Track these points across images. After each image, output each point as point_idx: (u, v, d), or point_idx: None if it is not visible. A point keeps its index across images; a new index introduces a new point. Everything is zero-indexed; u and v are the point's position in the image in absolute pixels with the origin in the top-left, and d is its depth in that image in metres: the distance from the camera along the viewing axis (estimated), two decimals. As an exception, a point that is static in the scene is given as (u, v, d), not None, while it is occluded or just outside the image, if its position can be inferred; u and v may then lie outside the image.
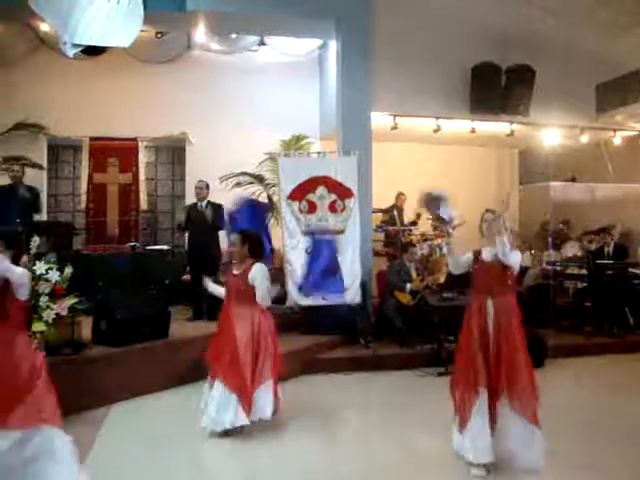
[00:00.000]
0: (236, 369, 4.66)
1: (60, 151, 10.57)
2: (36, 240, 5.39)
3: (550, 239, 10.28)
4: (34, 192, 8.16)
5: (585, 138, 11.01)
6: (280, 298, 6.78)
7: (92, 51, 9.20)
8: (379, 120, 9.39)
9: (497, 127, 10.54)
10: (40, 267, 5.27)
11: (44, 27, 9.24)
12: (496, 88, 9.60)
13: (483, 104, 9.58)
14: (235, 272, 5.02)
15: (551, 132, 10.68)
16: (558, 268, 9.53)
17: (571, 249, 10.39)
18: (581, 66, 9.83)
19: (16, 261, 3.58)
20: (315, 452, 4.63)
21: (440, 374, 6.82)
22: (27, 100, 9.78)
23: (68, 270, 5.47)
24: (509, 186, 12.86)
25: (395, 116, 9.72)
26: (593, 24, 9.63)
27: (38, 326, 5.18)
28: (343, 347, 7.53)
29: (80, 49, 8.32)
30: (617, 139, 11.18)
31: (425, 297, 7.56)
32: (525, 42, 9.31)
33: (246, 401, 4.62)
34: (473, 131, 10.36)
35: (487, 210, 4.52)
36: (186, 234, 8.66)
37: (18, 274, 3.43)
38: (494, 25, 9.28)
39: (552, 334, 8.07)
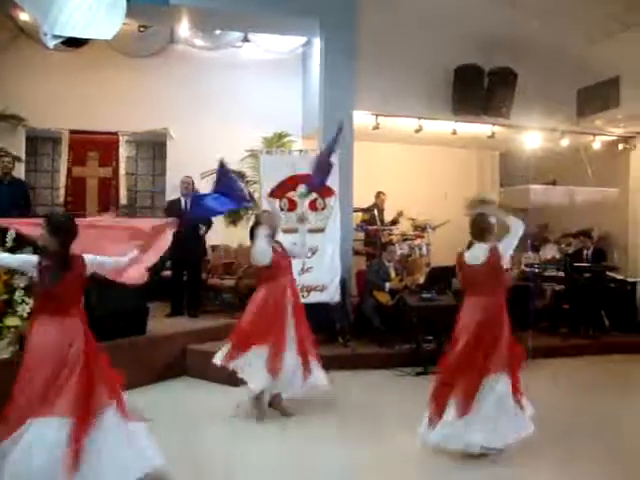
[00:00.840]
0: None
1: (39, 143, 10.46)
2: (12, 233, 5.32)
3: (529, 241, 10.36)
4: (25, 186, 8.16)
5: (565, 142, 11.10)
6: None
7: (73, 43, 9.12)
8: (361, 119, 9.39)
9: (478, 129, 10.60)
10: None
11: (24, 17, 9.11)
12: (478, 90, 9.65)
13: (465, 105, 9.63)
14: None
15: (532, 135, 10.76)
16: (536, 270, 9.60)
17: (550, 251, 10.48)
18: (563, 70, 9.92)
19: (66, 248, 3.60)
20: (294, 450, 4.64)
21: (418, 374, 6.85)
22: (6, 91, 9.64)
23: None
24: (490, 188, 12.94)
25: (377, 116, 9.73)
26: (577, 29, 9.70)
27: (12, 321, 5.13)
28: (322, 345, 7.48)
29: (61, 40, 8.23)
30: (597, 143, 11.30)
31: (404, 297, 7.58)
32: (508, 45, 9.36)
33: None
34: (455, 132, 10.40)
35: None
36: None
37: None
38: (478, 27, 9.32)
39: (530, 335, 8.13)
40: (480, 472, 4.11)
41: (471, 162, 12.82)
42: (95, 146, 10.43)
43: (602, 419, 5.44)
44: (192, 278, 8.00)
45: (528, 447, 4.26)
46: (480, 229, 4.45)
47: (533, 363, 7.30)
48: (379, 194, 10.41)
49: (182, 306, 7.97)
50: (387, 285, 7.78)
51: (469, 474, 4.11)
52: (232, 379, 5.49)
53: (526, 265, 9.82)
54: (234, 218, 9.71)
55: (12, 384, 4.11)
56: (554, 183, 12.47)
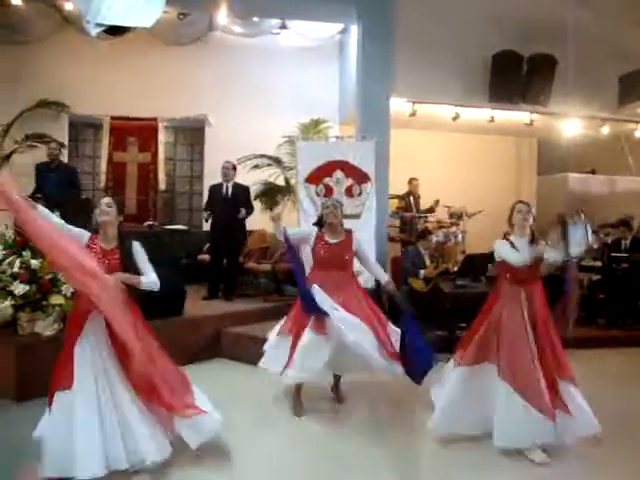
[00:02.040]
0: None
1: (81, 129, 10.69)
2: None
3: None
4: (71, 170, 8.38)
5: (606, 130, 10.92)
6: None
7: (115, 31, 9.26)
8: (398, 106, 9.38)
9: (516, 116, 10.49)
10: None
11: (68, 6, 9.33)
12: (516, 77, 9.54)
13: (503, 92, 9.54)
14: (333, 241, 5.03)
15: (571, 123, 10.60)
16: (573, 260, 9.47)
17: (587, 241, 10.31)
18: (604, 56, 9.73)
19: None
20: (324, 433, 4.71)
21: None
22: (50, 78, 9.89)
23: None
24: (527, 176, 12.81)
25: (414, 103, 9.71)
26: (618, 14, 9.52)
27: (57, 299, 5.30)
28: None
29: (103, 29, 8.41)
30: (638, 132, 11.08)
31: (438, 284, 7.59)
32: (548, 31, 9.22)
33: None
34: (492, 120, 10.32)
35: (520, 201, 4.51)
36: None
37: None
38: (517, 13, 9.22)
39: (566, 325, 8.06)
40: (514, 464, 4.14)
41: (509, 150, 12.71)
42: (135, 132, 10.63)
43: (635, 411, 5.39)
44: (230, 262, 8.12)
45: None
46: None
47: (569, 353, 7.27)
48: (412, 180, 10.40)
49: (218, 289, 8.10)
50: (422, 272, 7.78)
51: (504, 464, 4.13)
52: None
53: (563, 254, 9.69)
54: (270, 204, 9.80)
55: (54, 360, 4.27)
56: (593, 172, 12.29)
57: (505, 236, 4.44)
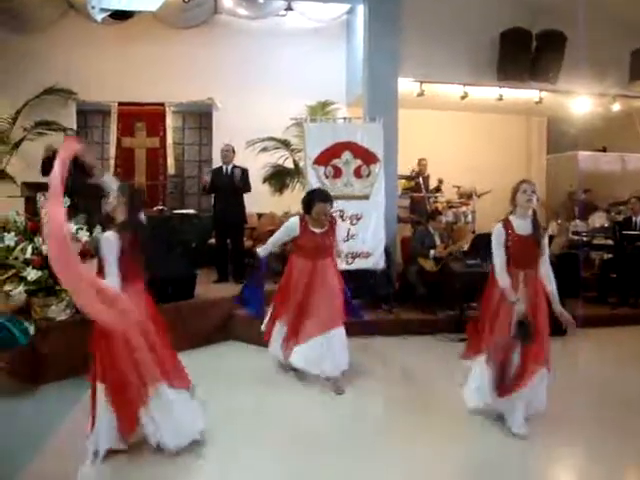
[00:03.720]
0: None
1: (89, 116, 10.70)
2: (66, 201, 5.53)
3: (577, 209, 10.20)
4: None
5: (617, 107, 10.83)
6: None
7: (120, 16, 9.29)
8: (406, 86, 9.33)
9: (525, 94, 10.41)
10: (71, 227, 5.41)
11: (73, -8, 9.32)
12: (525, 54, 9.45)
13: (511, 71, 9.45)
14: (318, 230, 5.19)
15: (581, 100, 10.52)
16: (585, 238, 9.45)
17: (599, 219, 10.28)
18: (615, 32, 9.60)
19: (134, 215, 3.86)
20: (334, 413, 4.73)
21: (461, 340, 6.86)
22: (57, 66, 9.89)
23: (97, 231, 5.57)
24: (537, 154, 12.73)
25: (422, 82, 9.66)
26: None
27: (69, 284, 5.33)
28: (365, 311, 7.59)
29: (108, 14, 8.42)
30: (650, 108, 10.98)
31: (448, 264, 7.59)
32: (557, 7, 9.10)
33: None
34: (501, 98, 10.24)
35: (524, 181, 4.34)
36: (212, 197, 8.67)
37: None
38: (525, -11, 9.12)
39: (577, 304, 8.03)
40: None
41: (518, 128, 12.63)
42: (143, 117, 10.63)
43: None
44: (235, 245, 8.16)
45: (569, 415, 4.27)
46: None
47: (580, 332, 7.26)
48: (420, 161, 10.37)
49: (227, 272, 8.15)
50: (432, 252, 7.78)
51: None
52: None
53: (574, 233, 9.67)
54: (280, 186, 9.81)
55: (67, 344, 4.31)
56: (604, 150, 12.20)
57: (506, 219, 4.30)
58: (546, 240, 4.32)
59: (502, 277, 4.18)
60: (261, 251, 5.41)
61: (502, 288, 4.16)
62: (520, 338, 4.04)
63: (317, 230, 5.12)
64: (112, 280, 3.53)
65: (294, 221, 5.23)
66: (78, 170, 8.02)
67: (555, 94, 10.32)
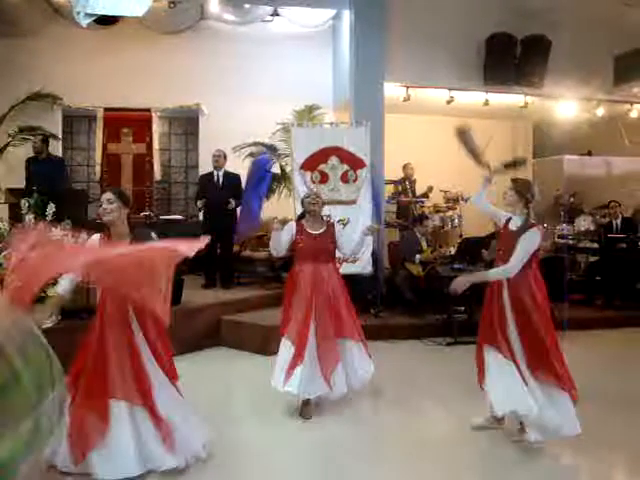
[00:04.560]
0: None
1: (75, 121, 10.66)
2: (51, 207, 5.51)
3: (563, 213, 10.25)
4: (58, 162, 8.31)
5: (601, 111, 10.90)
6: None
7: (106, 21, 9.25)
8: (392, 91, 9.35)
9: (511, 99, 10.46)
10: (56, 233, 5.37)
11: (58, -4, 9.28)
12: (511, 59, 9.51)
13: (497, 75, 9.51)
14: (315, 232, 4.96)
15: (566, 104, 10.58)
16: (570, 242, 9.51)
17: (584, 223, 10.35)
18: (599, 37, 9.68)
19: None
20: (324, 420, 4.72)
21: (449, 344, 6.91)
22: (42, 71, 9.83)
23: (83, 237, 5.53)
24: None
25: (408, 87, 9.68)
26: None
27: (53, 291, 5.28)
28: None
29: (93, 18, 8.38)
30: (634, 112, 11.07)
31: (435, 268, 7.61)
32: (541, 12, 9.17)
33: None
34: (487, 103, 10.29)
35: (513, 180, 4.46)
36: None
37: None
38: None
39: (564, 307, 8.07)
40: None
41: (504, 133, 12.65)
42: (129, 123, 10.60)
43: (631, 390, 5.42)
44: (224, 250, 8.14)
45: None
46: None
47: (567, 335, 7.31)
48: (406, 165, 10.41)
49: (216, 278, 8.13)
50: (418, 257, 7.80)
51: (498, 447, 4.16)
52: (264, 348, 5.61)
53: (560, 236, 9.73)
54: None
55: (54, 351, 4.25)
56: (590, 154, 12.28)
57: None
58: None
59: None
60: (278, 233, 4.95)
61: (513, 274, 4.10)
62: None
63: (314, 232, 4.97)
64: None
65: (291, 223, 5.10)
66: (55, 176, 8.03)
67: (540, 99, 10.38)
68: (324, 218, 5.14)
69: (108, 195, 3.75)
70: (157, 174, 10.66)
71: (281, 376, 4.63)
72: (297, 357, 4.59)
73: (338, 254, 5.10)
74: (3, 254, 5.24)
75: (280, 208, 9.39)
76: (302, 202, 5.10)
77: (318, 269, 4.84)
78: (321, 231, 4.97)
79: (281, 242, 4.89)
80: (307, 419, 4.65)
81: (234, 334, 6.78)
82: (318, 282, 4.79)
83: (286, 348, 4.72)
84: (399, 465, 3.88)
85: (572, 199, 10.92)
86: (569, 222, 10.27)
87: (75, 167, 10.62)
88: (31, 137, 9.54)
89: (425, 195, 10.39)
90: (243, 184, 8.27)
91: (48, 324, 5.38)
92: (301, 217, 5.08)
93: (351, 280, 7.49)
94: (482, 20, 9.36)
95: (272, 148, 9.57)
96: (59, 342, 4.58)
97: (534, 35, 9.40)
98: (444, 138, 11.60)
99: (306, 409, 4.72)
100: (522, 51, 9.51)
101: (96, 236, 3.79)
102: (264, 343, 6.25)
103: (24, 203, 5.51)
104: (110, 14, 8.51)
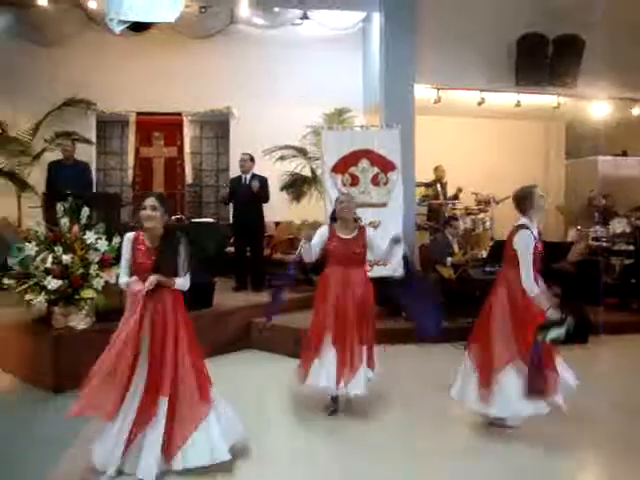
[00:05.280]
0: None
1: (108, 126, 10.82)
2: (86, 211, 5.59)
3: (597, 214, 10.08)
4: (82, 167, 8.41)
5: (637, 111, 10.71)
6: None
7: (138, 27, 9.36)
8: (422, 93, 9.31)
9: (543, 100, 10.35)
10: (90, 237, 5.46)
11: (92, 5, 9.44)
12: (543, 59, 9.41)
13: (529, 76, 9.41)
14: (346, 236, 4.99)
15: (600, 104, 10.42)
16: (605, 244, 9.34)
17: (619, 225, 10.15)
18: (633, 35, 9.53)
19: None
20: (354, 422, 4.71)
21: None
22: (77, 77, 10.02)
23: (116, 240, 5.59)
24: (555, 160, 12.63)
25: (439, 89, 9.63)
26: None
27: (88, 293, 5.37)
28: (384, 320, 7.55)
29: (126, 25, 8.49)
30: (672, 111, 10.87)
31: (467, 271, 7.54)
32: (574, 11, 9.05)
33: None
34: (518, 104, 10.19)
35: (536, 186, 4.46)
36: (231, 206, 8.67)
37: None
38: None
39: (598, 311, 7.94)
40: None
41: (536, 134, 12.53)
42: (160, 127, 10.74)
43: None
44: (254, 253, 8.18)
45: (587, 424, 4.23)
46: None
47: (602, 339, 7.19)
48: (437, 167, 10.35)
49: (246, 281, 8.16)
50: (449, 259, 7.73)
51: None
52: (294, 351, 5.60)
53: (594, 239, 9.56)
54: (297, 195, 9.82)
55: (88, 353, 4.30)
56: (625, 154, 12.06)
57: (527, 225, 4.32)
58: None
59: (532, 283, 4.16)
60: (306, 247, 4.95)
61: (535, 294, 4.14)
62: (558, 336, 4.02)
63: (345, 236, 4.98)
64: (187, 278, 3.90)
65: (324, 227, 5.11)
66: (80, 181, 8.11)
67: (573, 99, 10.25)
68: (357, 221, 5.09)
69: (152, 201, 3.73)
70: (188, 177, 10.79)
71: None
72: (313, 353, 4.73)
73: (369, 257, 5.11)
74: (40, 257, 5.34)
75: (311, 211, 9.44)
76: (334, 206, 5.11)
77: (348, 273, 4.85)
78: (352, 235, 4.96)
79: (312, 251, 4.89)
80: (332, 413, 4.80)
81: (264, 337, 6.80)
82: (346, 286, 4.81)
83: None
84: (431, 469, 3.85)
85: (604, 201, 10.73)
86: (603, 224, 10.09)
87: (108, 171, 10.79)
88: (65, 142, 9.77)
89: (455, 197, 10.32)
90: (270, 185, 8.28)
91: (83, 325, 5.48)
92: (334, 219, 5.07)
93: (382, 283, 7.50)
94: (513, 20, 9.27)
95: (302, 151, 9.62)
96: (93, 344, 4.69)
97: (567, 35, 9.29)
98: (475, 140, 11.65)
99: (332, 405, 4.84)
100: (554, 51, 9.40)
101: (130, 234, 3.81)
102: (294, 346, 6.23)
103: (59, 207, 5.58)
104: (142, 20, 8.62)
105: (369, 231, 5.10)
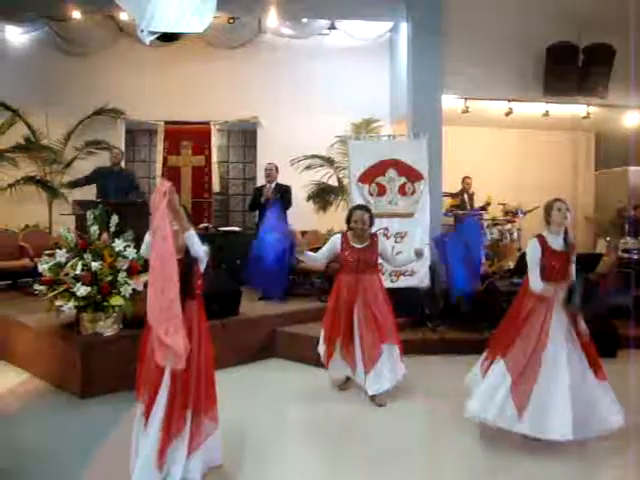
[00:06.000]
0: None
1: (136, 135, 10.96)
2: (114, 218, 5.66)
3: (627, 226, 9.94)
4: (130, 174, 8.64)
5: (669, 121, 10.56)
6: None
7: (168, 38, 9.47)
8: (450, 103, 9.28)
9: (572, 109, 10.25)
10: (118, 244, 5.52)
11: (123, 16, 9.60)
12: (572, 69, 9.30)
13: (558, 85, 9.31)
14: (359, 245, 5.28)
15: (631, 114, 10.29)
16: (635, 256, 9.19)
17: (650, 236, 10.01)
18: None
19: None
20: (378, 433, 4.68)
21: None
22: (107, 86, 10.19)
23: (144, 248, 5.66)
24: (584, 171, 12.48)
25: (466, 99, 9.59)
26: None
27: (116, 300, 5.43)
28: (410, 330, 7.52)
29: (156, 36, 8.62)
30: (703, 121, 10.67)
31: (494, 282, 7.47)
32: (604, 20, 8.97)
33: None
34: (547, 114, 10.10)
35: (558, 199, 4.47)
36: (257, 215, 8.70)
37: (203, 250, 3.72)
38: (571, 3, 8.99)
39: (629, 325, 7.79)
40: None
41: (564, 144, 12.41)
42: (188, 136, 10.83)
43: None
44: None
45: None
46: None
47: (632, 353, 7.05)
48: (464, 179, 10.30)
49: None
50: (476, 270, 7.67)
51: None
52: (318, 360, 5.60)
53: (624, 251, 9.42)
54: (323, 204, 9.84)
55: (115, 359, 4.35)
56: (656, 165, 11.89)
57: (540, 235, 4.41)
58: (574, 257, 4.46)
59: (537, 283, 4.28)
60: (308, 254, 5.31)
61: (539, 290, 4.25)
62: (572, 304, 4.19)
63: (358, 245, 5.26)
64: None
65: (336, 236, 5.42)
66: (126, 188, 8.27)
67: (604, 109, 10.13)
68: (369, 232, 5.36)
69: None
70: (215, 186, 10.86)
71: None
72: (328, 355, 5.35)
73: (388, 267, 5.33)
74: (70, 263, 5.41)
75: (337, 220, 9.44)
76: (349, 216, 5.33)
77: (361, 279, 5.21)
78: (365, 245, 5.27)
79: (317, 258, 5.40)
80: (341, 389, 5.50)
81: (289, 346, 6.80)
82: (360, 290, 5.20)
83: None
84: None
85: (634, 212, 10.58)
86: (634, 235, 9.94)
87: (137, 179, 10.90)
88: (96, 150, 9.94)
89: (483, 208, 10.24)
90: (296, 195, 8.30)
91: (110, 332, 5.54)
92: (348, 228, 5.34)
93: (408, 293, 7.48)
94: (541, 29, 9.20)
95: (329, 161, 9.64)
96: (121, 350, 4.74)
97: (597, 43, 9.18)
98: (503, 150, 11.57)
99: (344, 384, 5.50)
100: (584, 60, 9.30)
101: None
102: (318, 355, 6.24)
103: (89, 215, 5.66)
104: (172, 31, 8.75)
105: (382, 241, 5.45)
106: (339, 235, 5.39)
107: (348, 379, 5.54)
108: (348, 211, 5.50)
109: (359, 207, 5.46)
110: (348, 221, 5.33)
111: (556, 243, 4.34)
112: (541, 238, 4.36)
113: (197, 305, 3.74)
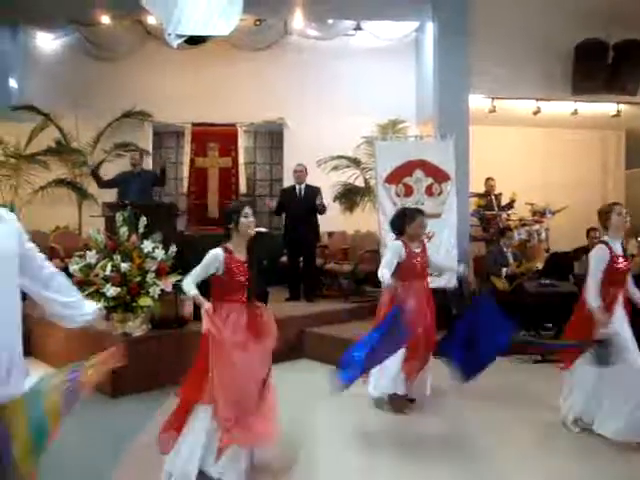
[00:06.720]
0: None
1: (164, 137, 11.07)
2: (143, 220, 5.72)
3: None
4: (153, 174, 8.72)
5: (701, 117, 10.37)
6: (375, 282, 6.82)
7: (195, 41, 9.55)
8: (477, 103, 9.23)
9: (602, 108, 10.12)
10: (147, 246, 5.58)
11: (151, 20, 9.71)
12: (601, 66, 9.20)
13: (587, 84, 9.21)
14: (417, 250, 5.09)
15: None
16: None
17: (682, 237, 9.82)
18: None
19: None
20: (410, 434, 4.68)
21: (536, 361, 6.68)
22: (135, 89, 10.34)
23: (172, 249, 5.71)
24: (614, 170, 12.29)
25: (493, 99, 9.53)
26: None
27: (145, 301, 5.48)
28: (438, 332, 7.46)
29: (183, 39, 8.69)
30: None
31: (522, 283, 7.40)
32: (634, 16, 8.83)
33: None
34: (575, 112, 10.01)
35: (616, 203, 4.52)
36: (283, 216, 8.72)
37: None
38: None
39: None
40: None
41: (594, 143, 12.23)
42: (215, 137, 10.91)
43: None
44: (307, 263, 8.19)
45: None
46: None
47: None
48: (487, 180, 10.20)
49: (299, 290, 8.19)
50: (504, 271, 7.61)
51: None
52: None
53: (655, 251, 9.27)
54: (350, 205, 9.84)
55: (143, 359, 4.39)
56: (688, 163, 11.68)
57: (598, 239, 4.46)
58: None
59: (595, 298, 4.24)
60: (385, 276, 4.74)
61: (593, 309, 4.21)
62: (597, 359, 4.13)
63: (417, 249, 5.05)
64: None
65: (398, 244, 4.99)
66: (149, 188, 8.34)
67: (634, 106, 9.97)
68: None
69: (249, 210, 3.96)
70: (242, 187, 10.92)
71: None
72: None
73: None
74: (100, 264, 5.49)
75: (364, 221, 9.45)
76: (402, 221, 5.09)
77: (420, 285, 5.04)
78: (420, 249, 5.09)
79: (390, 276, 4.76)
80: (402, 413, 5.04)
81: (317, 347, 6.81)
82: (419, 297, 4.97)
83: None
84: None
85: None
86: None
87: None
88: (124, 153, 10.05)
89: (510, 205, 10.13)
90: (325, 196, 8.29)
91: (139, 332, 5.60)
92: (399, 232, 5.10)
93: (436, 294, 7.43)
94: (569, 27, 9.11)
95: (356, 161, 9.64)
96: (150, 350, 4.80)
97: (627, 40, 9.05)
98: (531, 150, 11.45)
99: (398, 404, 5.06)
100: (614, 57, 9.18)
101: (219, 254, 3.84)
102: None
103: (119, 216, 5.73)
104: (199, 34, 8.82)
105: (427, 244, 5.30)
106: (399, 242, 5.00)
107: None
108: (399, 216, 5.19)
109: (418, 211, 5.18)
110: (402, 227, 5.04)
111: (617, 248, 4.36)
112: (607, 245, 4.33)
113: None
